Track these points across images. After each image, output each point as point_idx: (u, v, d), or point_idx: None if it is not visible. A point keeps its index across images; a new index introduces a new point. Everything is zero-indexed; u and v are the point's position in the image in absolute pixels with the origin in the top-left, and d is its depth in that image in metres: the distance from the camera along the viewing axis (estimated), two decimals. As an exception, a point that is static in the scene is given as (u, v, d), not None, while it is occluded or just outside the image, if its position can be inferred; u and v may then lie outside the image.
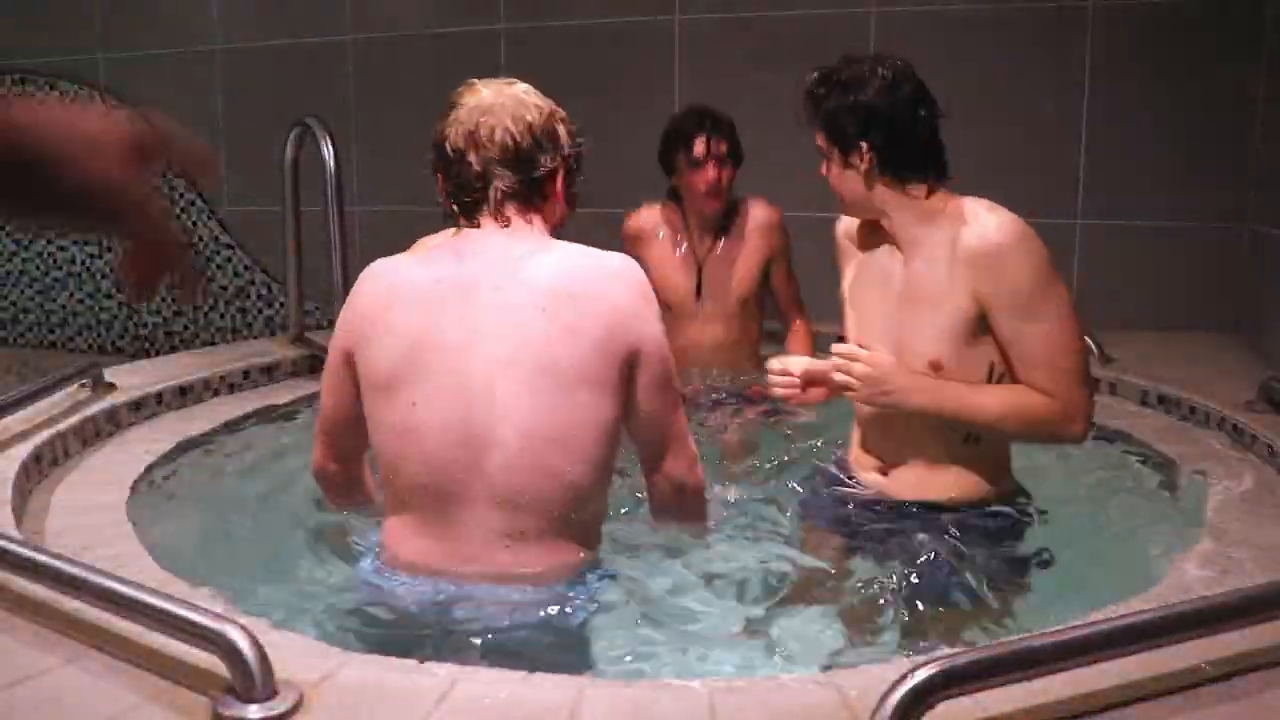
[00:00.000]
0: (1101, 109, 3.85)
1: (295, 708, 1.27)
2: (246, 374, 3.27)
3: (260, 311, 5.16)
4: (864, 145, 2.08)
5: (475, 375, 1.67)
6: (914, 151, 2.05)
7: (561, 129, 1.83)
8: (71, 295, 5.49)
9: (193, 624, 1.33)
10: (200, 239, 5.18)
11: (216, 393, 3.12)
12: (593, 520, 1.83)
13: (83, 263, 5.43)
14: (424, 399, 1.68)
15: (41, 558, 1.54)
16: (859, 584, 1.95)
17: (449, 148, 1.77)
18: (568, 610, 1.70)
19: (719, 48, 4.25)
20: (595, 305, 1.69)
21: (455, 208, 1.79)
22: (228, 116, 5.07)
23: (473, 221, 1.78)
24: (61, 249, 5.46)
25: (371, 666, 1.44)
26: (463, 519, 1.70)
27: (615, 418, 1.73)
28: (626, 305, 1.72)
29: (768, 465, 2.67)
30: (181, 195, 5.16)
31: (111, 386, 2.89)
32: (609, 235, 4.48)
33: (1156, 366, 3.20)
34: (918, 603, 1.85)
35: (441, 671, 1.40)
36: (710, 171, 3.04)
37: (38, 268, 5.53)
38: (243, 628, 1.30)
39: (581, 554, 1.78)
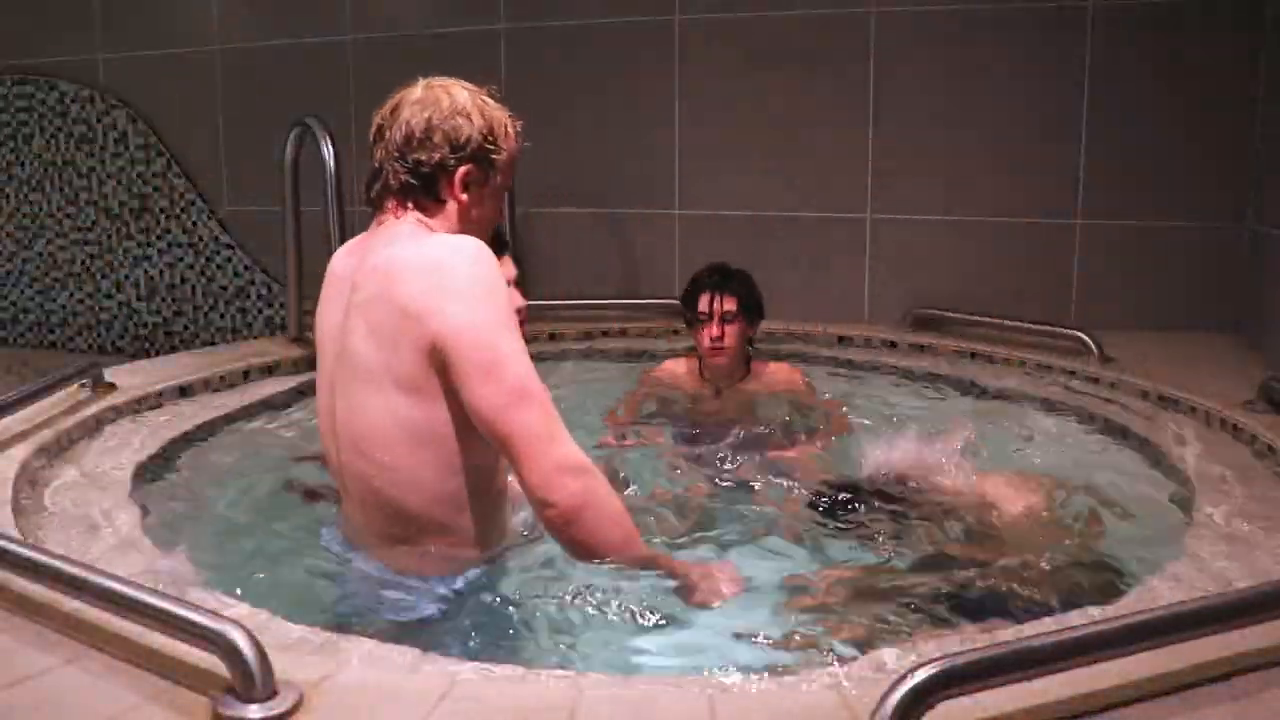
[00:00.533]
0: (1101, 109, 3.85)
1: (295, 708, 1.27)
2: (246, 374, 3.27)
3: (260, 311, 5.16)
4: None
5: (325, 372, 1.78)
6: None
7: (467, 126, 1.71)
8: (71, 295, 5.49)
9: (193, 624, 1.32)
10: (200, 239, 5.18)
11: (216, 392, 3.12)
12: (465, 521, 1.71)
13: (82, 263, 5.43)
14: (315, 389, 1.83)
15: (41, 558, 1.54)
16: (860, 583, 1.95)
17: (370, 139, 1.77)
18: (443, 607, 1.69)
19: (719, 48, 4.25)
20: (393, 300, 1.61)
21: (366, 195, 1.79)
22: (228, 116, 5.07)
23: (379, 213, 1.77)
24: (61, 249, 5.46)
25: (371, 666, 1.44)
26: (345, 510, 1.82)
27: (434, 418, 1.63)
28: (425, 296, 1.59)
29: (769, 470, 2.68)
30: (181, 195, 5.17)
31: (111, 386, 2.89)
32: (608, 235, 4.50)
33: (1156, 366, 3.20)
34: (919, 602, 1.85)
35: (441, 671, 1.40)
36: (712, 329, 3.02)
37: (38, 268, 5.53)
38: (243, 628, 1.30)
39: (458, 552, 1.72)
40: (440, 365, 1.60)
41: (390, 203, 1.73)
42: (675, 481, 2.66)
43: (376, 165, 1.73)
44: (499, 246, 2.69)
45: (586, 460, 1.65)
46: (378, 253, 1.69)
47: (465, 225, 1.75)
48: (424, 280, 1.60)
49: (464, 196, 1.74)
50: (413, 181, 1.71)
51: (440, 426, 1.64)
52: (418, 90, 1.75)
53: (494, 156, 1.75)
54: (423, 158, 1.70)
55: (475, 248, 1.64)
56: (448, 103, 1.71)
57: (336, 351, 1.71)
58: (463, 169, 1.72)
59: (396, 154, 1.70)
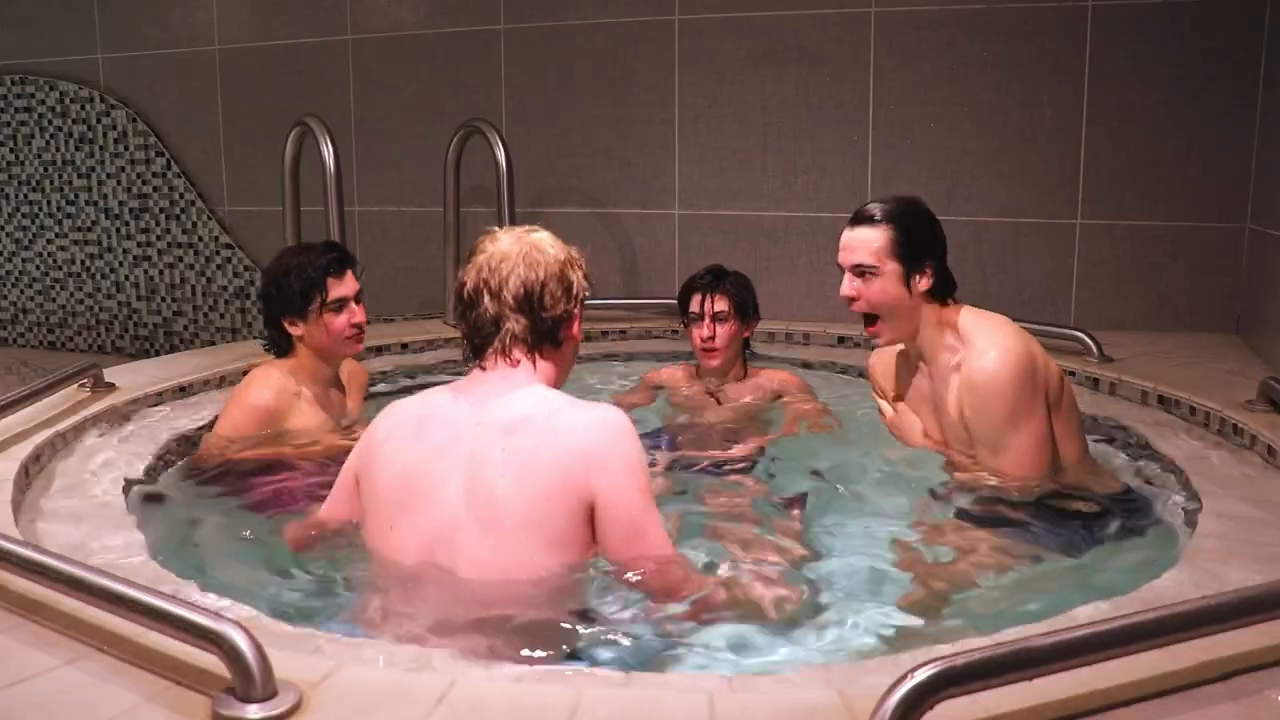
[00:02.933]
0: (1101, 109, 3.86)
1: (295, 708, 1.27)
2: (246, 374, 3.26)
3: (260, 311, 5.16)
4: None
5: (441, 511, 1.74)
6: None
7: (575, 275, 1.88)
8: (71, 295, 5.50)
9: (193, 624, 1.33)
10: (200, 239, 5.18)
11: (217, 392, 3.12)
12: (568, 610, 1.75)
13: (82, 263, 5.43)
14: (402, 527, 1.77)
15: (41, 558, 1.54)
16: (861, 583, 1.95)
17: (465, 293, 1.84)
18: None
19: (719, 48, 4.25)
20: (551, 452, 1.71)
21: (469, 347, 1.86)
22: (228, 116, 5.07)
23: (482, 362, 1.84)
24: (61, 249, 5.46)
25: (371, 667, 1.45)
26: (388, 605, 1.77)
27: (569, 565, 1.71)
28: (586, 454, 1.70)
29: (769, 473, 2.67)
30: (181, 196, 5.17)
31: (111, 386, 2.90)
32: (608, 235, 4.50)
33: (1156, 366, 3.20)
34: (915, 603, 1.85)
35: (441, 671, 1.40)
36: (704, 329, 3.02)
37: (38, 268, 5.53)
38: (243, 628, 1.30)
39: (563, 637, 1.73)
40: (589, 521, 1.71)
41: (518, 351, 1.82)
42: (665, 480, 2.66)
43: (486, 317, 1.81)
44: (343, 260, 2.71)
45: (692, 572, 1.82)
46: (509, 397, 1.78)
47: (571, 359, 1.93)
48: (592, 439, 1.72)
49: (577, 334, 1.90)
50: (539, 332, 1.82)
51: (559, 569, 1.72)
52: (513, 242, 1.84)
53: (586, 297, 1.92)
54: (548, 310, 1.82)
55: (627, 418, 1.79)
56: (552, 254, 1.85)
57: (455, 491, 1.74)
58: (578, 313, 1.89)
59: (516, 308, 1.81)
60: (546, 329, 1.83)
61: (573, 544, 1.71)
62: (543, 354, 1.84)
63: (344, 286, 2.66)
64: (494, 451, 1.72)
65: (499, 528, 1.70)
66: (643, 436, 2.91)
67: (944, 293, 2.33)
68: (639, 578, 1.72)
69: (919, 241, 2.29)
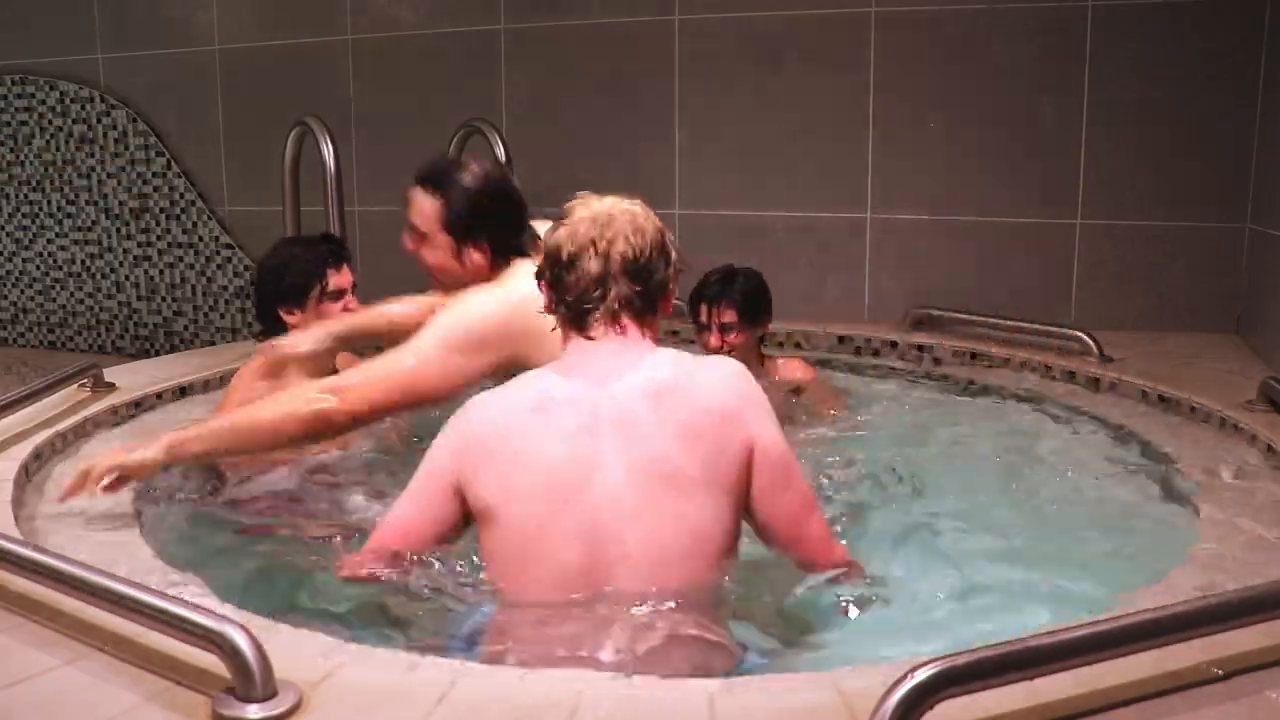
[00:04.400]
0: (1101, 109, 3.85)
1: (295, 708, 1.27)
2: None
3: (255, 303, 5.16)
4: None
5: (599, 495, 1.64)
6: None
7: (671, 247, 1.82)
8: (71, 295, 5.49)
9: (193, 624, 1.33)
10: (200, 239, 5.18)
11: (217, 392, 3.11)
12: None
13: (83, 263, 5.43)
14: (559, 523, 1.64)
15: (41, 558, 1.54)
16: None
17: (565, 255, 1.74)
18: None
19: (719, 48, 4.25)
20: (709, 408, 1.68)
21: (567, 315, 1.77)
22: (228, 116, 5.07)
23: (587, 332, 1.75)
24: (62, 249, 5.46)
25: (371, 667, 1.45)
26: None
27: (730, 521, 1.70)
28: (738, 401, 1.70)
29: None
30: (181, 195, 5.16)
31: (111, 386, 2.90)
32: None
33: (1156, 366, 3.20)
34: (920, 601, 1.85)
35: (441, 671, 1.40)
36: (714, 338, 3.02)
37: (38, 268, 5.53)
38: (243, 628, 1.30)
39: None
40: (747, 470, 1.69)
41: (625, 317, 1.75)
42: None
43: (589, 279, 1.73)
44: (340, 252, 2.73)
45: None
46: (639, 364, 1.73)
47: (659, 335, 1.85)
48: (735, 387, 1.72)
49: (669, 310, 1.83)
50: (645, 298, 1.76)
51: (731, 529, 1.71)
52: (613, 208, 1.78)
53: (681, 270, 1.85)
54: (653, 277, 1.76)
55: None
56: (653, 222, 1.79)
57: (616, 470, 1.65)
58: (673, 287, 1.82)
59: (623, 272, 1.73)
60: (650, 297, 1.76)
61: (742, 496, 1.69)
62: (645, 323, 1.77)
63: (342, 277, 2.69)
64: (647, 421, 1.66)
65: (677, 495, 1.64)
66: None
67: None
68: (793, 531, 1.73)
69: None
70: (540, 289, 1.82)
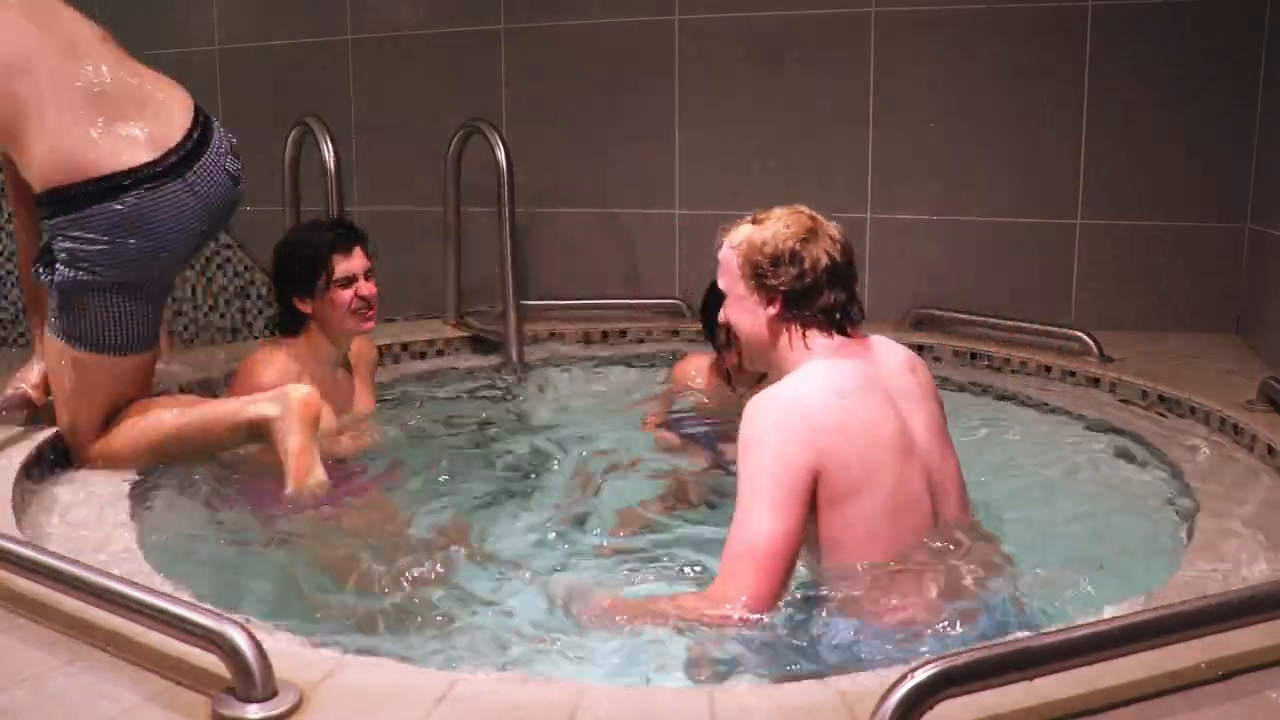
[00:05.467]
0: (1101, 109, 3.85)
1: (295, 708, 1.27)
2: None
3: (260, 311, 5.15)
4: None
5: (919, 448, 1.84)
6: None
7: None
8: (71, 295, 5.49)
9: (193, 624, 1.33)
10: (200, 239, 5.17)
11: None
12: None
13: (83, 263, 5.42)
14: (906, 478, 1.80)
15: (41, 558, 1.54)
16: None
17: (836, 264, 1.89)
18: None
19: (719, 48, 4.25)
20: (930, 382, 1.98)
21: (823, 320, 1.89)
22: (228, 116, 5.04)
23: (839, 330, 1.91)
24: (61, 249, 5.45)
25: (371, 667, 1.45)
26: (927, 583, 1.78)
27: None
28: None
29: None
30: (181, 195, 5.16)
31: (111, 386, 2.89)
32: (606, 236, 4.49)
33: (1156, 366, 3.20)
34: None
35: (441, 672, 1.40)
36: (734, 356, 3.01)
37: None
38: (243, 628, 1.30)
39: None
40: None
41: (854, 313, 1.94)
42: (696, 478, 2.67)
43: (847, 295, 1.91)
44: (349, 236, 2.68)
45: None
46: (892, 358, 1.96)
47: None
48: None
49: None
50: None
51: None
52: (823, 222, 1.94)
53: None
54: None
55: None
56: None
57: (919, 432, 1.87)
58: None
59: (851, 277, 1.93)
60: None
61: None
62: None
63: (351, 262, 2.63)
64: (914, 388, 1.90)
65: (946, 441, 1.93)
66: (681, 436, 2.94)
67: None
68: None
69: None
70: (775, 303, 1.90)
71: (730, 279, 1.96)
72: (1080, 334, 3.43)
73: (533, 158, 4.27)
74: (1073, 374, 3.29)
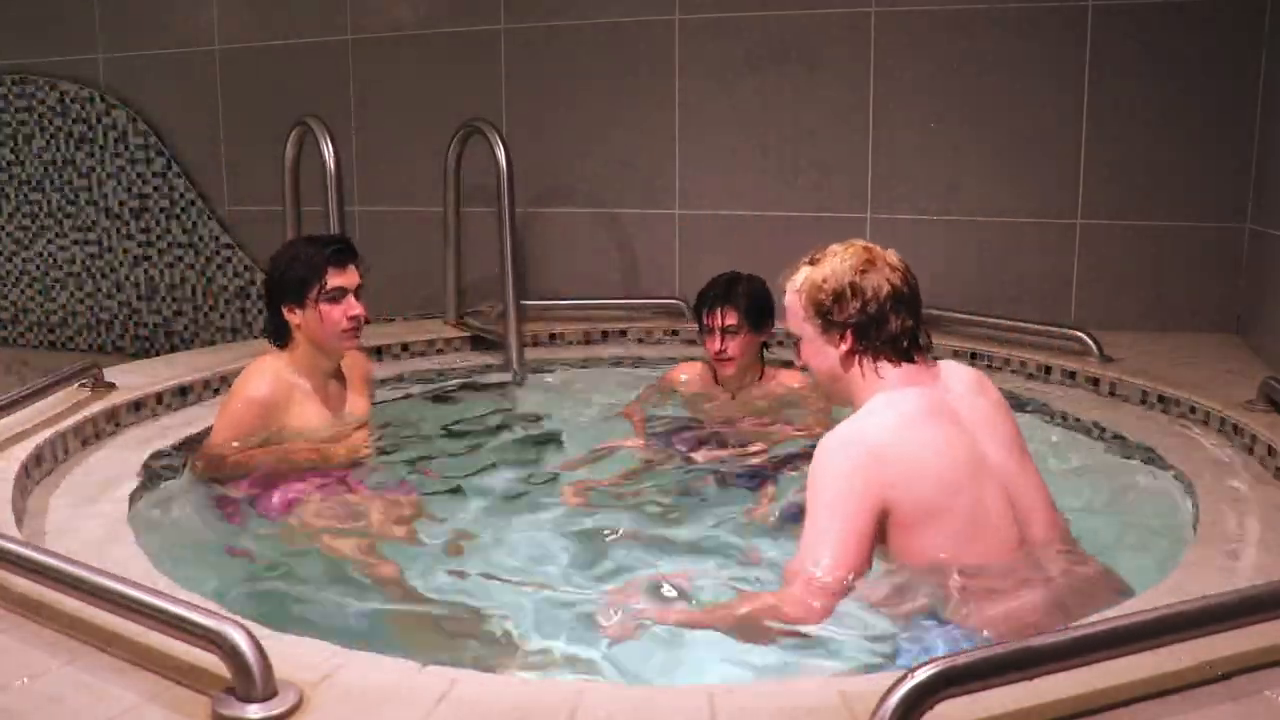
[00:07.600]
0: (1101, 109, 3.85)
1: (295, 708, 1.27)
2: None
3: (260, 311, 5.15)
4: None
5: (992, 466, 1.84)
6: None
7: None
8: (71, 295, 5.49)
9: (193, 624, 1.33)
10: (200, 239, 5.18)
11: (216, 393, 3.12)
12: None
13: (83, 263, 5.43)
14: (982, 497, 1.80)
15: (41, 558, 1.54)
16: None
17: (906, 294, 1.91)
18: None
19: (719, 48, 4.25)
20: (1002, 402, 1.99)
21: (891, 350, 1.90)
22: (228, 116, 5.07)
23: (915, 359, 1.93)
24: (62, 249, 5.46)
25: (371, 667, 1.45)
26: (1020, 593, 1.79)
27: None
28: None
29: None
30: (181, 195, 5.16)
31: (111, 386, 2.90)
32: (606, 236, 4.50)
33: (1156, 366, 3.20)
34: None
35: (441, 672, 1.40)
36: (715, 342, 3.01)
37: (38, 268, 5.53)
38: (243, 628, 1.30)
39: None
40: None
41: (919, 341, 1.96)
42: (679, 478, 2.66)
43: (914, 320, 1.93)
44: (345, 252, 2.68)
45: None
46: (960, 380, 1.98)
47: None
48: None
49: None
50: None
51: None
52: (883, 254, 1.94)
53: None
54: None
55: None
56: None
57: (992, 451, 1.86)
58: None
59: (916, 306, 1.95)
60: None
61: None
62: None
63: (343, 278, 2.63)
64: (984, 407, 1.91)
65: (1024, 454, 1.91)
66: (664, 436, 2.95)
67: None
68: None
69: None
70: (846, 339, 1.90)
71: (797, 322, 1.95)
72: (1080, 334, 3.43)
73: (533, 158, 4.28)
74: (1073, 374, 3.29)
